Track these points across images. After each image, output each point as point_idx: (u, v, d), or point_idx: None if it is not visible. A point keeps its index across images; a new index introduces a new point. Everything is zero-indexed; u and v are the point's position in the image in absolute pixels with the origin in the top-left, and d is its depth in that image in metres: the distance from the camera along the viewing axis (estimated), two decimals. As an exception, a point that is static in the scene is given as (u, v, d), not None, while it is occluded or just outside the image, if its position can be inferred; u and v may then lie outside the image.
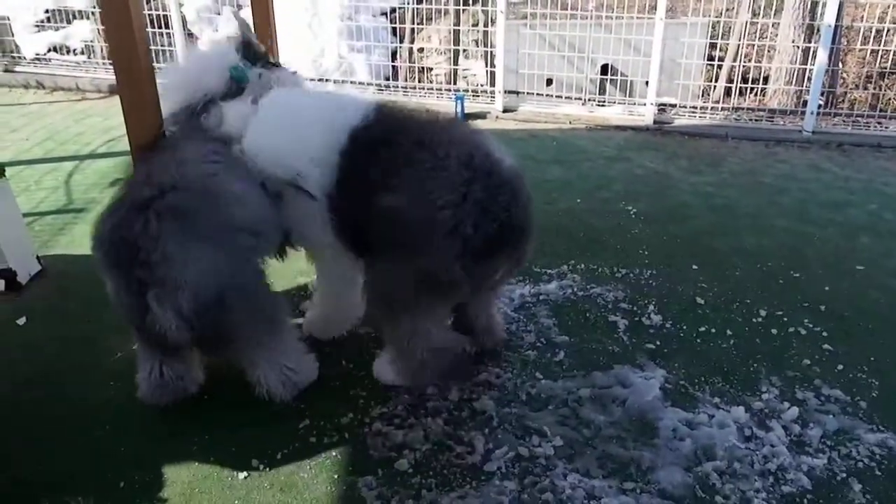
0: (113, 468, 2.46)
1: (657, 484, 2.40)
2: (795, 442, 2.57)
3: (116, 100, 6.32)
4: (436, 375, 2.77)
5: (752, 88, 6.60)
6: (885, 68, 6.77)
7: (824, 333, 3.16)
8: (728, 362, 2.98)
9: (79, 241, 3.97)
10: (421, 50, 7.23)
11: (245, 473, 2.46)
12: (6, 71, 7.03)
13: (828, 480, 2.41)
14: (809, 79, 5.79)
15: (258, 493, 2.39)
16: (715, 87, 6.80)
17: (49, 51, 7.22)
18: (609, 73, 6.52)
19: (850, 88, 7.29)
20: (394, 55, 7.11)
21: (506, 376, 2.90)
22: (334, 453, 2.53)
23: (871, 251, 3.92)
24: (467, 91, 6.62)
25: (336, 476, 2.44)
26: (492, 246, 2.49)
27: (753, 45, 6.82)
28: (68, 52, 7.24)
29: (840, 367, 2.95)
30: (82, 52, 7.21)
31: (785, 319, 3.26)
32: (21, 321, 3.29)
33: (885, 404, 2.75)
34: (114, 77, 6.66)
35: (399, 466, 2.47)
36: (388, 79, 6.88)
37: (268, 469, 2.48)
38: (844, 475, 2.43)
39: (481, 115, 6.23)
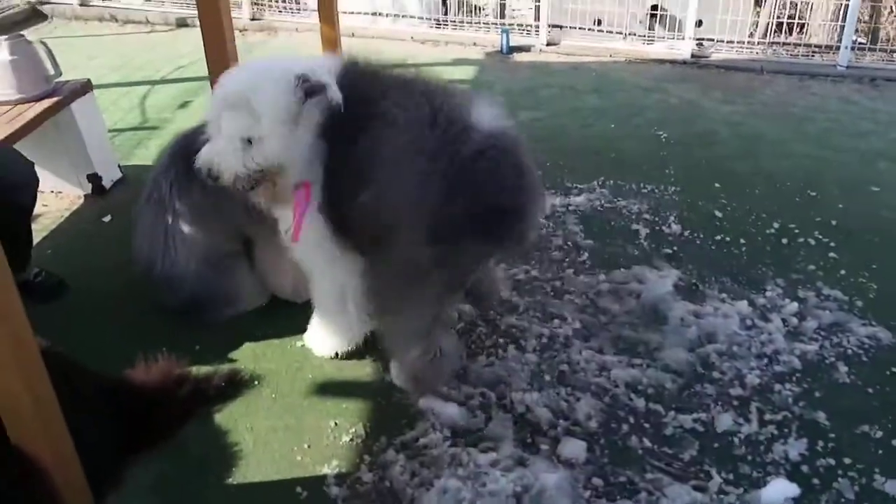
0: (191, 335, 2.80)
1: (662, 361, 2.69)
2: (792, 332, 2.84)
3: (183, 31, 6.87)
4: (433, 384, 2.54)
5: (790, 25, 6.66)
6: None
7: (832, 244, 3.40)
8: (738, 266, 3.25)
9: (152, 154, 4.36)
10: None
11: (301, 342, 2.81)
12: (82, 5, 7.35)
13: (817, 363, 2.69)
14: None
15: (312, 358, 2.75)
16: (758, 22, 6.88)
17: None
18: (658, 11, 6.62)
19: (888, 24, 7.29)
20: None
21: (533, 273, 3.19)
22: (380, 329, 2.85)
23: (888, 175, 4.11)
24: (513, 25, 6.79)
25: (380, 345, 2.75)
26: (467, 229, 2.12)
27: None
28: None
29: (842, 272, 3.19)
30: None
31: (796, 231, 3.50)
32: (106, 219, 3.69)
33: (880, 304, 2.99)
34: (180, 11, 7.03)
35: (436, 340, 2.79)
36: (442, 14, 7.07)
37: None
38: (833, 359, 2.70)
39: (525, 48, 6.42)
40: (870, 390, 2.57)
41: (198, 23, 3.25)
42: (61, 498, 1.97)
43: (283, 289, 2.99)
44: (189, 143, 2.60)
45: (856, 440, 2.37)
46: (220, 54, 3.19)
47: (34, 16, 7.22)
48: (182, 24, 7.06)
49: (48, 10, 7.36)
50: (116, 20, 7.27)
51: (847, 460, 2.29)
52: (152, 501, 2.20)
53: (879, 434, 2.38)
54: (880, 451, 2.32)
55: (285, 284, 2.96)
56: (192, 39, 6.53)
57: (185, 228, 2.77)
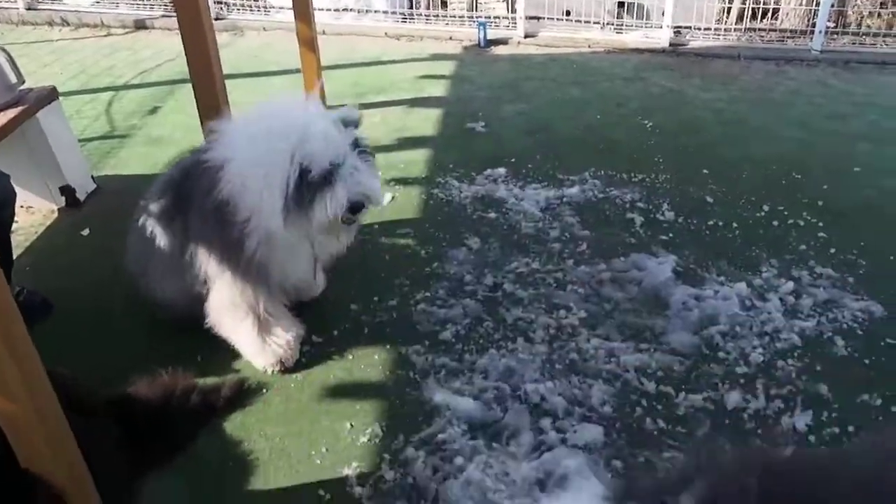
0: (190, 347, 2.79)
1: (668, 344, 2.78)
2: (789, 310, 2.94)
3: (142, 34, 6.84)
4: None
5: (763, 11, 6.80)
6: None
7: (820, 224, 3.51)
8: (733, 249, 3.35)
9: (124, 163, 4.32)
10: (442, -17, 7.45)
11: (308, 347, 2.84)
12: (29, 9, 7.13)
13: (816, 339, 2.79)
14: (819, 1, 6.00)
15: (320, 360, 2.78)
16: (730, 9, 7.00)
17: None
18: (626, 6, 6.71)
19: (857, 8, 7.45)
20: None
21: (534, 265, 3.27)
22: (386, 329, 2.92)
23: (869, 155, 4.23)
24: (489, 18, 6.85)
25: (388, 345, 2.82)
26: None
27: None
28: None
29: (833, 250, 3.30)
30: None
31: (785, 213, 3.61)
32: (85, 232, 3.61)
33: (870, 279, 3.10)
34: (137, 12, 6.88)
35: (443, 337, 2.85)
36: (409, 8, 7.12)
37: (328, 343, 2.87)
38: (830, 334, 2.81)
39: (503, 41, 6.49)
40: (867, 361, 2.68)
41: (156, 24, 3.25)
42: None
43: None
44: (187, 170, 2.60)
45: (857, 409, 2.47)
46: (201, 55, 3.19)
47: (-26, 23, 6.94)
48: (140, 26, 6.88)
49: (-9, 16, 7.12)
50: (68, 24, 7.05)
51: (851, 428, 2.39)
52: (170, 515, 2.22)
53: (879, 402, 2.49)
54: (881, 418, 2.43)
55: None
56: (153, 42, 6.50)
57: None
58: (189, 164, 2.64)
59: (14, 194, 2.93)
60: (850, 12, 7.32)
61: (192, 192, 2.53)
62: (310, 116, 2.34)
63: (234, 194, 2.38)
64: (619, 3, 6.78)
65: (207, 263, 2.55)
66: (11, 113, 3.39)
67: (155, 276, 2.73)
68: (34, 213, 3.80)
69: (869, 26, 6.98)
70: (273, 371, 2.72)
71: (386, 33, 6.77)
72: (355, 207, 2.34)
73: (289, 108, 2.43)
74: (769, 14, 6.93)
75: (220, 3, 7.01)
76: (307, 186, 2.29)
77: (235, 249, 2.47)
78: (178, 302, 2.72)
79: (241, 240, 2.44)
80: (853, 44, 6.10)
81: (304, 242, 2.53)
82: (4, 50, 3.48)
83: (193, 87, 3.30)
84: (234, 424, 2.52)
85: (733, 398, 2.52)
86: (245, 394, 2.64)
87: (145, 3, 7.05)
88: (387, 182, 3.99)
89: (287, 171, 2.27)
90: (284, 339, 2.71)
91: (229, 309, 2.62)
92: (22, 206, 3.73)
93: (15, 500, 1.87)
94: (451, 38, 6.63)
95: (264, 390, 2.66)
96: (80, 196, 3.88)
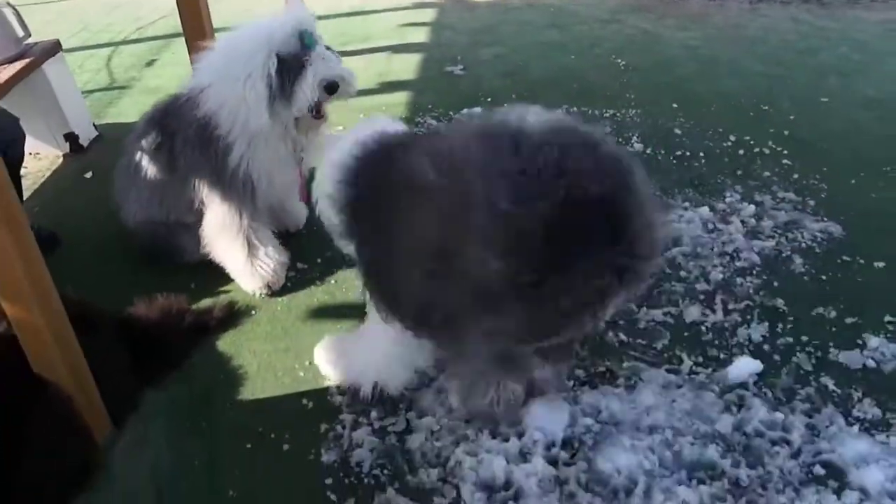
0: (184, 276, 2.94)
1: (632, 265, 2.89)
2: (750, 231, 3.05)
3: None
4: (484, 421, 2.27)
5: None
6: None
7: (785, 152, 3.61)
8: (698, 177, 3.45)
9: (125, 111, 4.47)
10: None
11: (293, 273, 2.97)
12: None
13: (775, 258, 2.91)
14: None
15: (304, 285, 2.92)
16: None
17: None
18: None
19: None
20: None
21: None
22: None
23: (836, 87, 4.33)
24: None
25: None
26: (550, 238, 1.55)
27: None
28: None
29: (795, 175, 3.41)
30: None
31: (751, 143, 3.71)
32: (88, 175, 3.80)
33: (831, 202, 3.22)
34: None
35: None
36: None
37: (311, 269, 3.00)
38: (789, 253, 2.92)
39: (482, -14, 6.52)
40: (823, 277, 2.80)
41: None
42: (83, 422, 2.13)
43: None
44: (164, 114, 2.74)
45: (812, 320, 2.59)
46: (193, 10, 3.29)
47: (-23, -18, 7.10)
48: None
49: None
50: None
51: (804, 338, 2.51)
52: (167, 423, 2.36)
53: (833, 314, 2.61)
54: (833, 329, 2.55)
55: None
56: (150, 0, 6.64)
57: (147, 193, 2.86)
58: (168, 100, 2.79)
59: (23, 134, 3.08)
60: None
61: (175, 124, 2.68)
62: (274, 20, 2.50)
63: (212, 113, 2.54)
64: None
65: (199, 188, 2.70)
66: (19, 65, 3.58)
67: (137, 206, 2.89)
68: (41, 160, 3.99)
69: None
70: (261, 294, 2.86)
71: (366, -19, 6.77)
72: (331, 88, 2.49)
73: (255, 22, 2.58)
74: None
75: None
76: (287, 74, 2.45)
77: (220, 166, 2.61)
78: (158, 228, 2.89)
79: (225, 154, 2.58)
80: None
81: (285, 144, 2.67)
82: (10, 5, 3.65)
83: (184, 33, 3.40)
84: (225, 342, 2.67)
85: (692, 312, 2.64)
86: (235, 315, 2.79)
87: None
88: (365, 122, 4.06)
89: (265, 63, 2.43)
90: (271, 264, 2.84)
91: (221, 231, 2.76)
92: (30, 153, 3.90)
93: (29, 401, 2.03)
94: (433, -15, 6.65)
95: (253, 312, 2.80)
96: (84, 142, 4.08)
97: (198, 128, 2.59)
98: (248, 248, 2.80)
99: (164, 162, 2.74)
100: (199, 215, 2.82)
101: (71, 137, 3.99)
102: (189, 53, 3.42)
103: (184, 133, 2.64)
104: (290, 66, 2.46)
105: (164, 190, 2.80)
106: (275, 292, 2.88)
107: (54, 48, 3.84)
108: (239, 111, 2.50)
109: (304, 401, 2.40)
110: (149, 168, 2.79)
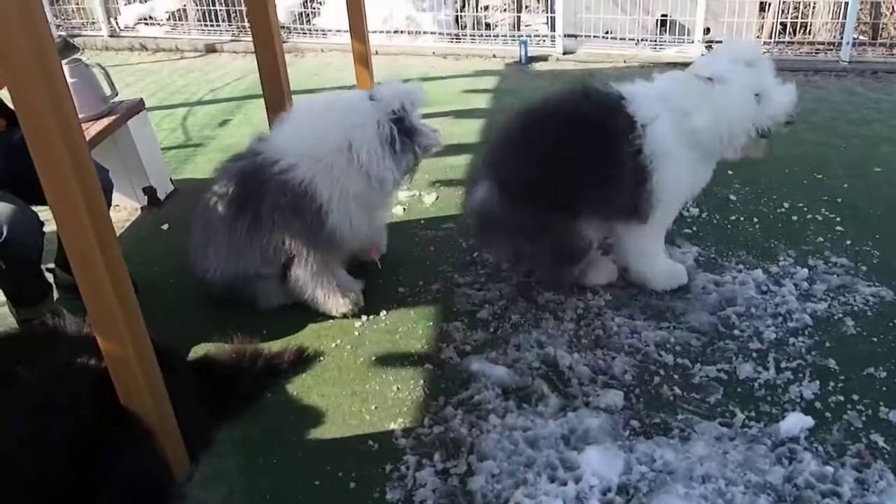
0: (258, 322, 3.14)
1: (687, 323, 3.01)
2: (803, 294, 3.14)
3: (213, 57, 7.32)
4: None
5: (794, 25, 6.97)
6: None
7: (838, 219, 3.70)
8: (752, 241, 3.55)
9: (200, 168, 4.73)
10: (486, 7, 7.76)
11: (359, 322, 3.15)
12: (111, 36, 7.72)
13: (827, 319, 2.99)
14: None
15: (370, 334, 3.09)
16: (763, 24, 7.19)
17: (137, 23, 7.86)
18: (668, 24, 6.93)
19: (888, 20, 7.59)
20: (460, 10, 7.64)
21: (565, 255, 3.51)
22: (428, 308, 3.20)
23: (890, 157, 4.40)
24: (530, 36, 7.12)
25: (431, 323, 3.10)
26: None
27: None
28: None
29: (848, 242, 3.50)
30: (168, 19, 7.84)
31: (805, 209, 3.80)
32: (164, 227, 4.05)
33: (883, 268, 3.29)
34: (208, 38, 7.44)
35: (480, 315, 3.12)
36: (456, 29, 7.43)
37: (376, 320, 3.17)
38: (841, 315, 3.00)
39: (543, 58, 6.75)
40: (874, 339, 2.87)
41: (225, 48, 3.67)
42: (164, 454, 2.31)
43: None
44: (243, 177, 3.02)
45: (863, 380, 2.67)
46: (272, 74, 3.59)
47: (66, 48, 7.53)
48: (211, 49, 7.39)
49: (79, 43, 7.73)
50: (146, 49, 7.61)
51: (855, 396, 2.59)
52: (240, 459, 2.52)
53: (884, 374, 2.68)
54: (884, 388, 2.62)
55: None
56: (222, 64, 7.04)
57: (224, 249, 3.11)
58: (244, 163, 3.07)
59: (112, 185, 3.35)
60: (885, 25, 7.47)
61: (258, 188, 2.96)
62: (377, 91, 3.03)
63: (308, 181, 2.89)
64: (660, 22, 6.99)
65: (290, 245, 3.00)
66: (106, 121, 3.86)
67: (215, 260, 3.12)
68: (120, 211, 4.25)
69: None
70: (349, 314, 3.17)
71: (434, 52, 7.07)
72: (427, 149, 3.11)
73: (331, 99, 3.04)
74: (799, 28, 7.09)
75: (283, 27, 7.41)
76: (404, 132, 2.99)
77: (316, 227, 2.95)
78: (235, 280, 3.12)
79: (323, 218, 2.94)
80: (882, 55, 6.25)
81: (376, 203, 3.13)
82: (101, 66, 3.97)
83: (264, 95, 3.71)
84: (295, 385, 2.84)
85: (745, 370, 2.73)
86: (304, 360, 2.96)
87: (215, 28, 7.54)
88: (432, 184, 4.32)
89: (384, 126, 2.92)
90: (352, 291, 3.21)
91: (313, 276, 3.08)
92: (111, 205, 4.12)
93: (116, 430, 2.21)
94: (494, 56, 6.91)
95: (321, 358, 2.98)
96: (161, 196, 4.33)
97: (293, 196, 2.88)
98: (334, 282, 3.12)
99: (248, 223, 2.99)
100: (279, 266, 3.05)
101: (149, 191, 4.24)
102: (268, 115, 3.70)
103: (272, 198, 2.91)
104: (401, 131, 2.95)
105: (244, 246, 3.04)
106: (360, 311, 3.19)
107: (138, 106, 4.11)
108: (339, 179, 2.89)
109: (370, 442, 2.54)
110: (229, 228, 3.04)
